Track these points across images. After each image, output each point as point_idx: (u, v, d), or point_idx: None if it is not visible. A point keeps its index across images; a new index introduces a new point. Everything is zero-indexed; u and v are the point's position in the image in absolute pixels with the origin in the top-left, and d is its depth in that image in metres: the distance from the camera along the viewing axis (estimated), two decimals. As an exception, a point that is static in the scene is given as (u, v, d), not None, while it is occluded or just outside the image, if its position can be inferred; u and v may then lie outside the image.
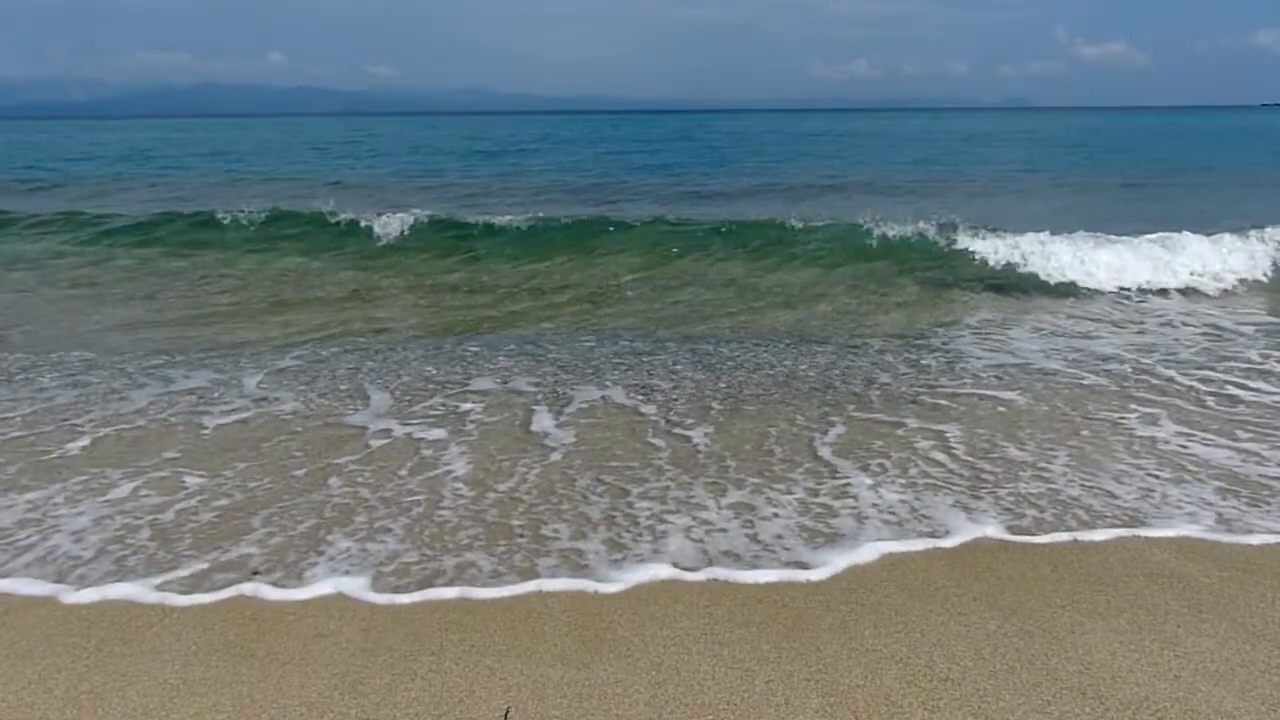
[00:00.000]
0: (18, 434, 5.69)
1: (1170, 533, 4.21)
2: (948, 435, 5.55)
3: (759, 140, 45.49)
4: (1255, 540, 4.14)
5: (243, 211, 14.51)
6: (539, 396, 6.41)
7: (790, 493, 4.72)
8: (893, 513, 4.46)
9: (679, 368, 7.14)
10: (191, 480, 4.97)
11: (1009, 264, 10.68)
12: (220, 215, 14.60)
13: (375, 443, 5.52)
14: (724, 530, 4.31)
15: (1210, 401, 6.15)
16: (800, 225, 12.56)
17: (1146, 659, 3.22)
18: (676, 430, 5.69)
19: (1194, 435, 5.47)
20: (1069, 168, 26.98)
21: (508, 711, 2.98)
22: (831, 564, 3.96)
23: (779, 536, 4.23)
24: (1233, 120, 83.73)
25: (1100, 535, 4.19)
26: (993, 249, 10.90)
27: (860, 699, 3.02)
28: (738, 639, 3.40)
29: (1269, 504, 4.52)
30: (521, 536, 4.26)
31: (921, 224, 11.80)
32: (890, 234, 11.80)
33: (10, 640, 3.45)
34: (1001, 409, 6.06)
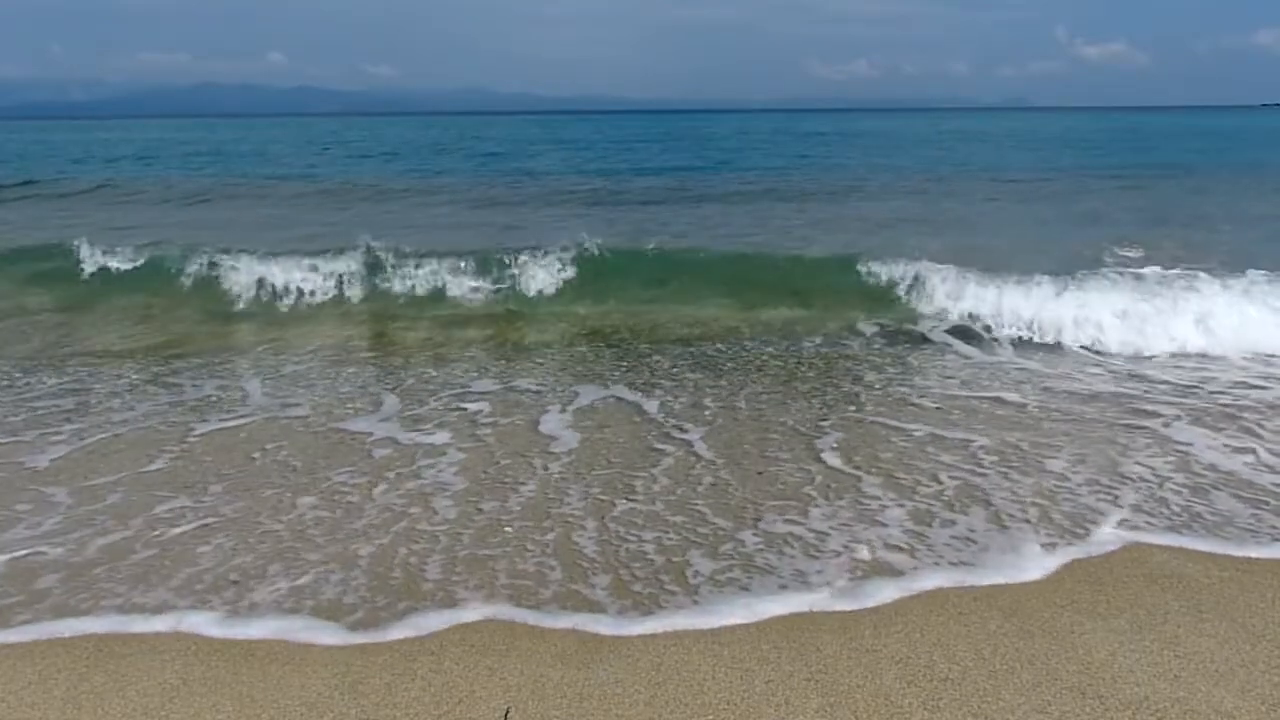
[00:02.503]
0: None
1: (1172, 535, 4.20)
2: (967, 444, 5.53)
3: (766, 141, 45.25)
4: (1255, 541, 4.13)
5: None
6: (543, 400, 6.42)
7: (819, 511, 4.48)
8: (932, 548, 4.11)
9: (678, 371, 7.15)
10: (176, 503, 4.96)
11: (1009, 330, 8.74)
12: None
13: (379, 452, 5.52)
14: (760, 570, 3.92)
15: (1217, 404, 6.15)
16: (798, 256, 11.69)
17: (1146, 659, 3.21)
18: (677, 435, 5.70)
19: (1196, 439, 5.48)
20: (1085, 169, 26.82)
21: (508, 711, 2.98)
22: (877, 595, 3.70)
23: (804, 576, 3.86)
24: (1234, 120, 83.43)
25: (1105, 540, 4.18)
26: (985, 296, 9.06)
27: (860, 699, 3.02)
28: (738, 639, 3.39)
29: (1270, 506, 4.52)
30: (520, 575, 3.89)
31: (906, 266, 10.40)
32: (895, 274, 10.55)
33: None
34: (1000, 412, 6.06)
